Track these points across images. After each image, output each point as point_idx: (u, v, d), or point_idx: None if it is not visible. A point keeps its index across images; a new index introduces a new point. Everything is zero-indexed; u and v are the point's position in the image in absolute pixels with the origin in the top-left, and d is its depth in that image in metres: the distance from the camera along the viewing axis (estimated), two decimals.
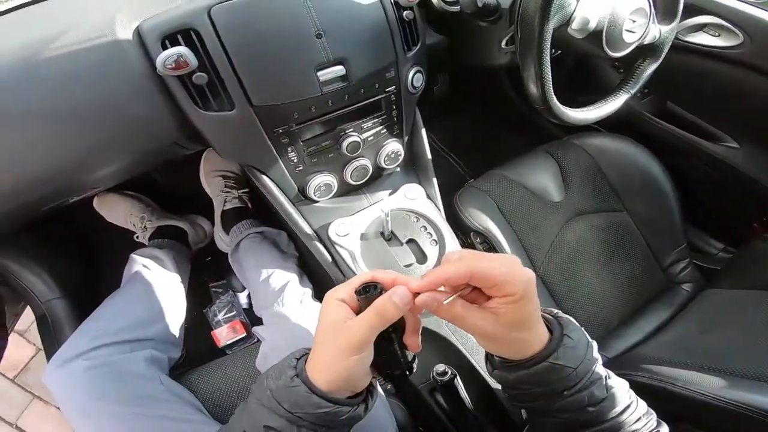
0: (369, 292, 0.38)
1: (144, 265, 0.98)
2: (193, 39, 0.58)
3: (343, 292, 0.39)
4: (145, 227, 1.14)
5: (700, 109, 0.98)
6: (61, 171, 0.63)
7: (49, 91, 0.55)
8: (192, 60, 0.56)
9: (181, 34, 0.58)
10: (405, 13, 0.70)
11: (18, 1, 0.59)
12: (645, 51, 0.72)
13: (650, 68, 0.74)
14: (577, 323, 0.41)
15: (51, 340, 1.02)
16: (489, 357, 0.43)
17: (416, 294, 0.38)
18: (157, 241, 1.10)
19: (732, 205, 1.06)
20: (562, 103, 0.70)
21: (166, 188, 1.32)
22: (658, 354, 0.79)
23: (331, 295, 0.40)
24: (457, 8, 0.73)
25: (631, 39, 0.64)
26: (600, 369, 0.40)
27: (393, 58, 0.70)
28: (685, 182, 1.02)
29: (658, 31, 0.68)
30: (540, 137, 1.17)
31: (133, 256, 1.01)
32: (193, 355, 1.09)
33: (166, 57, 0.55)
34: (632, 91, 0.75)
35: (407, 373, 0.43)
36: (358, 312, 0.39)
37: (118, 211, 1.17)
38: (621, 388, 0.40)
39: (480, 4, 0.69)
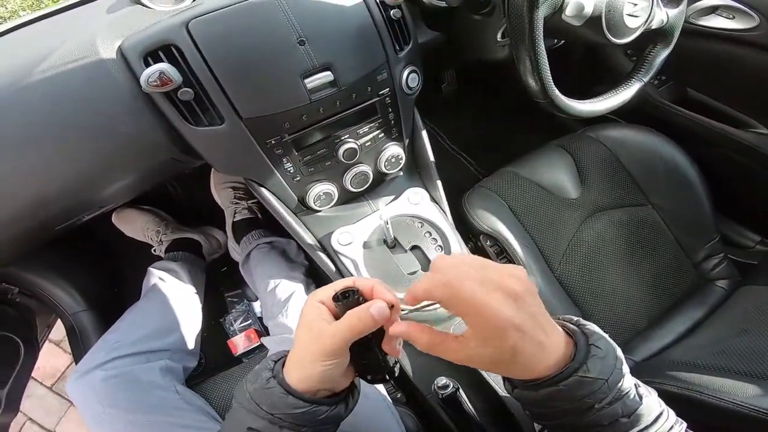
0: (348, 297, 0.38)
1: (160, 278, 1.01)
2: (175, 55, 0.58)
3: (323, 295, 0.40)
4: (161, 241, 1.17)
5: (724, 94, 0.91)
6: (64, 191, 0.65)
7: (39, 115, 0.56)
8: (175, 76, 0.56)
9: (162, 50, 0.58)
10: (392, 12, 0.68)
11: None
12: (655, 36, 0.67)
13: (662, 54, 0.69)
14: (601, 330, 0.38)
15: (79, 350, 1.07)
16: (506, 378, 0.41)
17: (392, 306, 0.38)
18: (172, 254, 1.13)
19: (767, 194, 0.97)
20: (575, 94, 0.66)
21: (181, 201, 1.35)
22: (688, 358, 0.74)
23: (312, 296, 0.40)
24: (443, 3, 0.70)
25: (635, 24, 0.60)
26: (629, 377, 0.37)
27: (383, 59, 0.68)
28: (713, 172, 0.95)
29: (665, 15, 0.63)
30: (557, 131, 1.12)
31: (150, 269, 1.04)
32: (212, 363, 1.11)
33: (148, 74, 0.55)
34: (645, 79, 0.71)
35: (387, 377, 0.43)
36: (337, 316, 0.39)
37: (136, 226, 1.21)
38: (652, 396, 0.38)
39: None
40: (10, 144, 0.57)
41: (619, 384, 0.35)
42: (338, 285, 0.40)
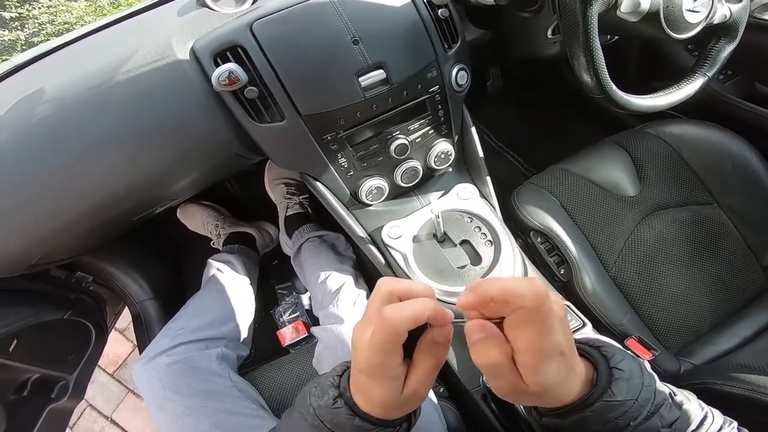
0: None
1: (218, 269, 1.07)
2: (241, 55, 0.62)
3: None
4: (219, 234, 1.23)
5: None
6: (144, 184, 0.70)
7: (121, 113, 0.61)
8: (242, 75, 0.60)
9: (229, 51, 0.61)
10: (440, 11, 0.69)
11: (78, 33, 0.65)
12: (718, 31, 0.65)
13: (727, 49, 0.66)
14: (622, 349, 0.37)
15: (143, 336, 1.14)
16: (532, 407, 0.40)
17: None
18: (229, 246, 1.19)
19: None
20: (633, 89, 0.64)
21: (238, 197, 1.43)
22: (752, 362, 0.70)
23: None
24: (491, 1, 0.70)
25: (696, 19, 0.58)
26: (661, 388, 0.36)
27: (432, 57, 0.69)
28: None
29: (728, 10, 0.61)
30: (610, 128, 1.08)
31: (210, 261, 1.11)
32: (261, 353, 1.17)
33: (219, 74, 0.59)
34: (709, 74, 0.68)
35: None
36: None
37: (197, 220, 1.29)
38: (691, 403, 0.37)
39: None
40: (101, 141, 0.62)
41: (651, 399, 0.34)
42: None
